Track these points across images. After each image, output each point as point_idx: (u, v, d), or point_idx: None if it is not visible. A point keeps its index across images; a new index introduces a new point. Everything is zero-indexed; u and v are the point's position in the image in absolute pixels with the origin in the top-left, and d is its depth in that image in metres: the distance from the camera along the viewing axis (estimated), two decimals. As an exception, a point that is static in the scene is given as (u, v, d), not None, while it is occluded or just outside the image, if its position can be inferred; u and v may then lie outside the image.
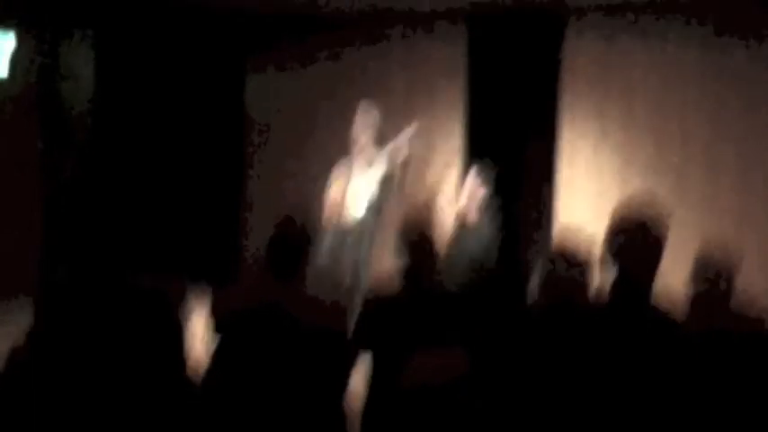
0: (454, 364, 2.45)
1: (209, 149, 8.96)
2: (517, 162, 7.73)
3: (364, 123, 6.46)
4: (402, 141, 6.43)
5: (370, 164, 6.44)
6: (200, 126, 8.91)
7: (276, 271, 3.26)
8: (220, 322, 3.17)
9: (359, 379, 3.54)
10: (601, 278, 2.86)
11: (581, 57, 7.42)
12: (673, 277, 3.50)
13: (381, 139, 6.64)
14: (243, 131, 9.04)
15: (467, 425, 2.25)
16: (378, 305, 3.75)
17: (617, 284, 2.57)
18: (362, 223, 6.45)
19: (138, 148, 8.55)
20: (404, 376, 2.34)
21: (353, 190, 6.46)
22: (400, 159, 6.44)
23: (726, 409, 2.54)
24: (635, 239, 2.55)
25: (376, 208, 6.49)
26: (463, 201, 6.37)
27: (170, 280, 3.50)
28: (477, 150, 7.84)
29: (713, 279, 3.50)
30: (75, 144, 8.24)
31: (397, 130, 6.89)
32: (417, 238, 3.65)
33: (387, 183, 6.47)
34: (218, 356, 3.10)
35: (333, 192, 6.43)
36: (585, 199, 7.44)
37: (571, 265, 3.26)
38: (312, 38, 8.51)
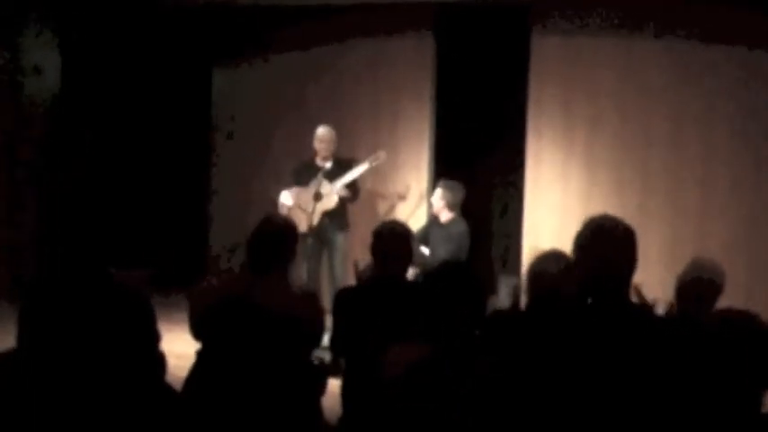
0: (418, 354, 2.51)
1: (173, 145, 8.92)
2: (485, 172, 7.82)
3: (323, 141, 6.92)
4: (365, 166, 6.87)
5: (332, 177, 6.78)
6: (165, 123, 8.87)
7: (259, 266, 3.26)
8: (202, 320, 3.17)
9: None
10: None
11: (547, 64, 7.50)
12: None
13: (347, 151, 7.11)
14: (209, 127, 9.00)
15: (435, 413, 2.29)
16: (345, 303, 3.78)
17: (592, 294, 2.59)
18: (332, 233, 6.81)
19: (103, 145, 8.49)
20: (380, 369, 2.40)
21: (321, 202, 6.74)
22: (363, 170, 6.86)
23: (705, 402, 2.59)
24: (606, 257, 2.55)
25: (342, 218, 6.85)
26: (435, 206, 6.77)
27: (141, 275, 3.48)
28: (445, 160, 7.91)
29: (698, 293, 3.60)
30: (41, 142, 8.15)
31: (364, 138, 7.04)
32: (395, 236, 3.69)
33: (351, 192, 6.83)
34: (201, 358, 3.11)
35: (297, 206, 6.78)
36: (552, 207, 7.53)
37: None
38: (278, 42, 8.49)
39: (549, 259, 3.44)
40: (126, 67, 8.66)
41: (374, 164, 6.89)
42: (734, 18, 6.83)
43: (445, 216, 6.69)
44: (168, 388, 3.02)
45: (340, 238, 6.86)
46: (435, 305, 2.77)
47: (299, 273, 6.70)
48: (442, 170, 7.77)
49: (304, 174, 6.92)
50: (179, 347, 3.56)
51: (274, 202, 6.92)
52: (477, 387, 2.55)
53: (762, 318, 3.28)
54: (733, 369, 2.64)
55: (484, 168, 8.18)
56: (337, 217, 6.80)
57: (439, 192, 6.73)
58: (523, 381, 2.45)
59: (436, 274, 2.94)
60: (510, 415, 2.44)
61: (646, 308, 3.17)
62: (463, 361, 2.65)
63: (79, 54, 8.43)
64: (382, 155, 6.94)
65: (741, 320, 2.89)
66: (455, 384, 2.49)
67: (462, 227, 6.64)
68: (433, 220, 6.85)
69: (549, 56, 7.46)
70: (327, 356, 4.71)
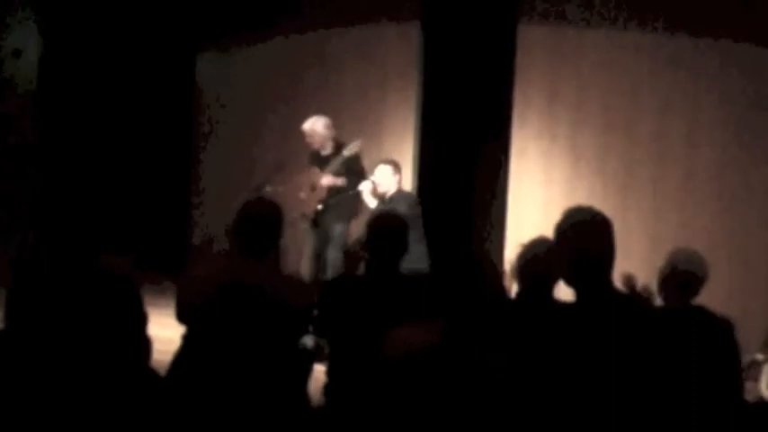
0: (431, 335, 2.50)
1: (158, 130, 8.86)
2: (469, 161, 7.80)
3: (313, 137, 6.92)
4: (342, 157, 6.86)
5: (330, 167, 6.80)
6: (150, 107, 8.81)
7: (250, 250, 3.24)
8: (191, 306, 3.14)
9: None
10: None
11: (533, 55, 7.50)
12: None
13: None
14: (193, 112, 8.95)
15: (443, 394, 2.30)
16: (336, 289, 3.78)
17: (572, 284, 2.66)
18: (330, 222, 6.81)
19: (85, 129, 8.43)
20: (384, 347, 2.39)
21: (315, 192, 6.79)
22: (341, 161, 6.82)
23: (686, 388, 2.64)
24: (584, 244, 2.63)
25: (340, 208, 6.83)
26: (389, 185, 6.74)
27: (128, 261, 3.45)
28: (429, 149, 7.88)
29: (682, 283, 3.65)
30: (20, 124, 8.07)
31: (350, 126, 7.05)
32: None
33: (350, 175, 6.81)
34: (188, 344, 3.09)
35: (300, 191, 6.81)
36: (535, 198, 7.55)
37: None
38: (264, 29, 8.46)
39: (537, 245, 3.47)
40: (108, 50, 8.59)
41: (350, 153, 6.85)
42: (717, 10, 6.87)
43: (393, 190, 6.68)
44: (153, 372, 3.01)
45: (337, 228, 6.82)
46: (433, 297, 2.78)
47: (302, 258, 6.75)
48: (426, 159, 7.74)
49: (311, 161, 6.96)
50: (161, 333, 3.53)
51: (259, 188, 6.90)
52: (481, 380, 2.57)
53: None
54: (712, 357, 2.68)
55: (467, 158, 8.15)
56: (334, 206, 6.78)
57: (389, 170, 6.72)
58: (523, 371, 2.47)
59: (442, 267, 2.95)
60: (512, 406, 2.46)
61: (638, 298, 3.19)
62: (468, 352, 2.65)
63: (60, 37, 8.35)
64: (357, 143, 6.90)
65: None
66: (460, 377, 2.50)
67: (410, 197, 6.66)
68: (380, 202, 6.81)
69: (535, 46, 7.45)
70: (310, 343, 4.70)
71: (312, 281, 6.53)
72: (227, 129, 8.71)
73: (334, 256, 6.79)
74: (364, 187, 6.68)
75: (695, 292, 3.71)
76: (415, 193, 6.82)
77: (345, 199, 6.78)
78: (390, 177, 6.73)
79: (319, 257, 6.85)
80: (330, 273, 6.67)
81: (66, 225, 2.99)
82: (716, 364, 2.93)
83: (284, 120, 7.95)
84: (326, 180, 6.74)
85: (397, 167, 6.78)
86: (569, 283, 2.69)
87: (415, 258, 6.11)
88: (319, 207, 6.75)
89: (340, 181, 6.76)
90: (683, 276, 3.70)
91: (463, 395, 2.45)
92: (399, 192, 6.69)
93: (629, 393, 2.42)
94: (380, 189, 6.71)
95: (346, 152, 6.82)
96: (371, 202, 6.60)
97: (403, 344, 2.47)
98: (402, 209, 6.17)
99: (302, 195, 6.82)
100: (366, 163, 7.15)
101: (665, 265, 3.75)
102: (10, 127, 8.05)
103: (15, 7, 8.15)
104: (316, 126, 6.89)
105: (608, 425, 2.39)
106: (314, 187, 6.78)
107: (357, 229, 6.89)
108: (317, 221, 6.81)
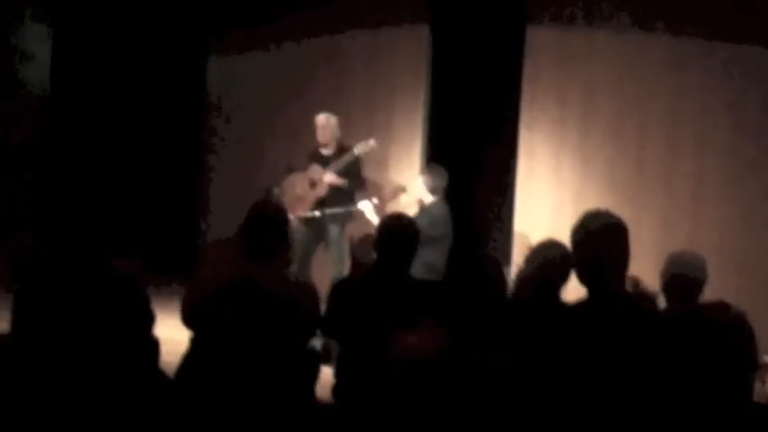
0: (435, 340, 2.51)
1: (168, 133, 8.90)
2: (477, 164, 7.82)
3: (318, 127, 6.93)
4: (353, 153, 6.85)
5: (335, 166, 6.78)
6: (160, 109, 8.85)
7: (257, 253, 3.25)
8: (200, 307, 3.16)
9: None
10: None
11: (542, 57, 7.51)
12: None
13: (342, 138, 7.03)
14: (203, 116, 8.98)
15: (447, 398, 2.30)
16: (345, 290, 3.80)
17: (587, 289, 2.69)
18: (327, 224, 6.77)
19: (96, 130, 8.47)
20: (390, 351, 2.40)
21: (315, 190, 6.77)
22: (350, 158, 6.82)
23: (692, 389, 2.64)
24: (602, 249, 2.66)
25: (337, 209, 6.77)
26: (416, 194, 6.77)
27: (135, 263, 3.46)
28: (438, 152, 7.90)
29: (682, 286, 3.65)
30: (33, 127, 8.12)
31: (359, 129, 7.05)
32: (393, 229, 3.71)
33: (348, 182, 6.79)
34: (196, 346, 3.09)
35: (296, 192, 6.83)
36: (544, 202, 7.54)
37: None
38: (274, 32, 8.49)
39: (546, 248, 3.48)
40: (118, 53, 8.63)
41: (362, 151, 6.85)
42: (723, 12, 6.85)
43: (428, 200, 6.66)
44: (161, 373, 3.02)
45: (334, 230, 6.80)
46: (441, 300, 2.78)
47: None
48: (435, 160, 7.75)
49: (310, 159, 6.96)
50: (170, 335, 3.55)
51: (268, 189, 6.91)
52: (482, 380, 2.57)
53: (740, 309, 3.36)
54: (720, 357, 2.68)
55: (476, 161, 8.17)
56: (331, 207, 6.77)
57: (420, 178, 6.73)
58: (526, 372, 2.48)
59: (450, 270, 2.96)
60: (513, 406, 2.47)
61: (646, 300, 3.20)
62: (477, 354, 2.66)
63: (71, 39, 8.39)
64: (372, 142, 6.90)
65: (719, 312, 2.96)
66: (461, 378, 2.51)
67: (440, 206, 6.61)
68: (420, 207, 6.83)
69: (543, 49, 7.46)
70: (318, 344, 4.72)
71: (308, 280, 6.53)
72: (237, 131, 8.73)
73: (337, 261, 6.78)
74: (365, 207, 6.67)
75: (698, 293, 3.71)
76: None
77: (341, 211, 6.76)
78: (420, 187, 6.69)
79: (307, 257, 6.84)
80: (334, 272, 6.67)
81: (69, 225, 3.01)
82: (720, 366, 2.93)
83: (294, 122, 7.96)
84: (329, 177, 6.74)
85: (426, 173, 6.71)
86: (584, 283, 2.71)
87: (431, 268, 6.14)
88: (316, 213, 6.73)
89: (342, 181, 6.76)
90: (683, 280, 3.70)
91: (465, 395, 2.45)
92: (433, 204, 6.58)
93: (633, 394, 2.42)
94: (417, 197, 6.72)
95: (357, 150, 6.81)
96: (375, 219, 6.58)
97: (408, 350, 2.48)
98: (422, 223, 6.18)
99: (298, 191, 6.81)
100: (373, 162, 7.17)
101: (665, 271, 3.76)
102: (17, 129, 8.10)
103: (26, 10, 8.19)
104: (331, 119, 6.93)
105: (610, 426, 2.40)
106: (313, 184, 6.77)
107: (355, 230, 6.91)
108: (311, 219, 6.76)
